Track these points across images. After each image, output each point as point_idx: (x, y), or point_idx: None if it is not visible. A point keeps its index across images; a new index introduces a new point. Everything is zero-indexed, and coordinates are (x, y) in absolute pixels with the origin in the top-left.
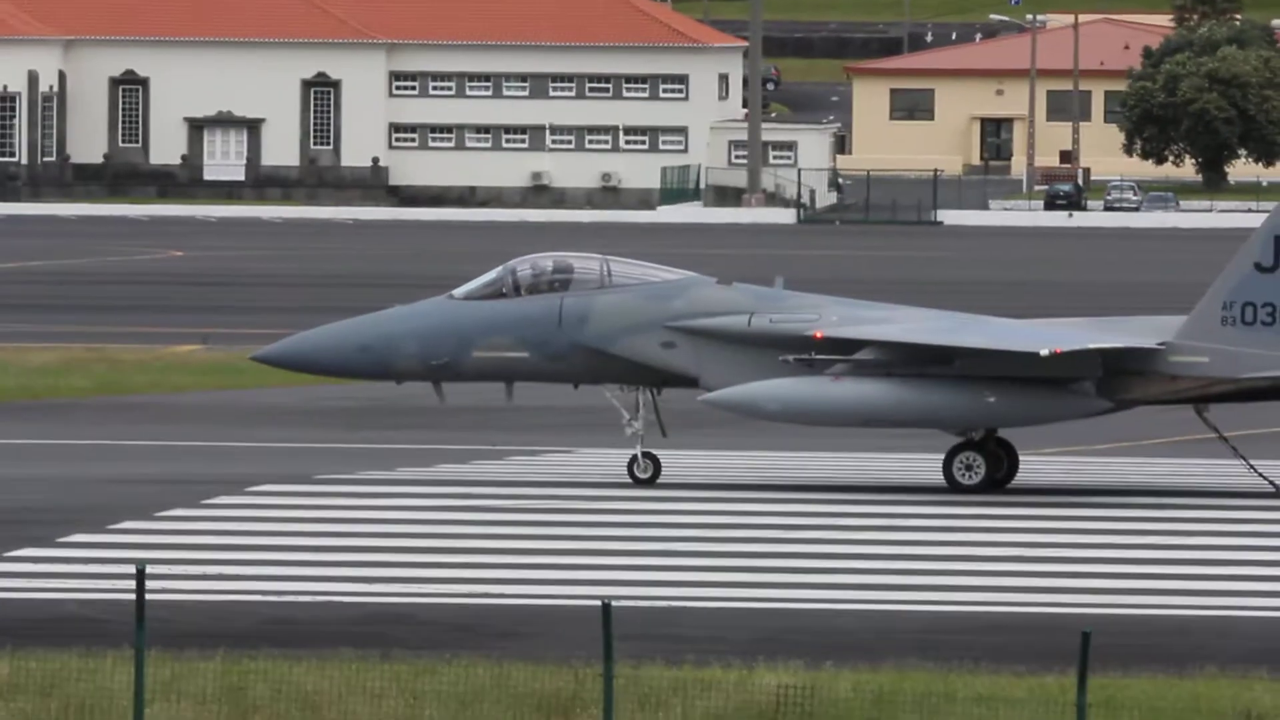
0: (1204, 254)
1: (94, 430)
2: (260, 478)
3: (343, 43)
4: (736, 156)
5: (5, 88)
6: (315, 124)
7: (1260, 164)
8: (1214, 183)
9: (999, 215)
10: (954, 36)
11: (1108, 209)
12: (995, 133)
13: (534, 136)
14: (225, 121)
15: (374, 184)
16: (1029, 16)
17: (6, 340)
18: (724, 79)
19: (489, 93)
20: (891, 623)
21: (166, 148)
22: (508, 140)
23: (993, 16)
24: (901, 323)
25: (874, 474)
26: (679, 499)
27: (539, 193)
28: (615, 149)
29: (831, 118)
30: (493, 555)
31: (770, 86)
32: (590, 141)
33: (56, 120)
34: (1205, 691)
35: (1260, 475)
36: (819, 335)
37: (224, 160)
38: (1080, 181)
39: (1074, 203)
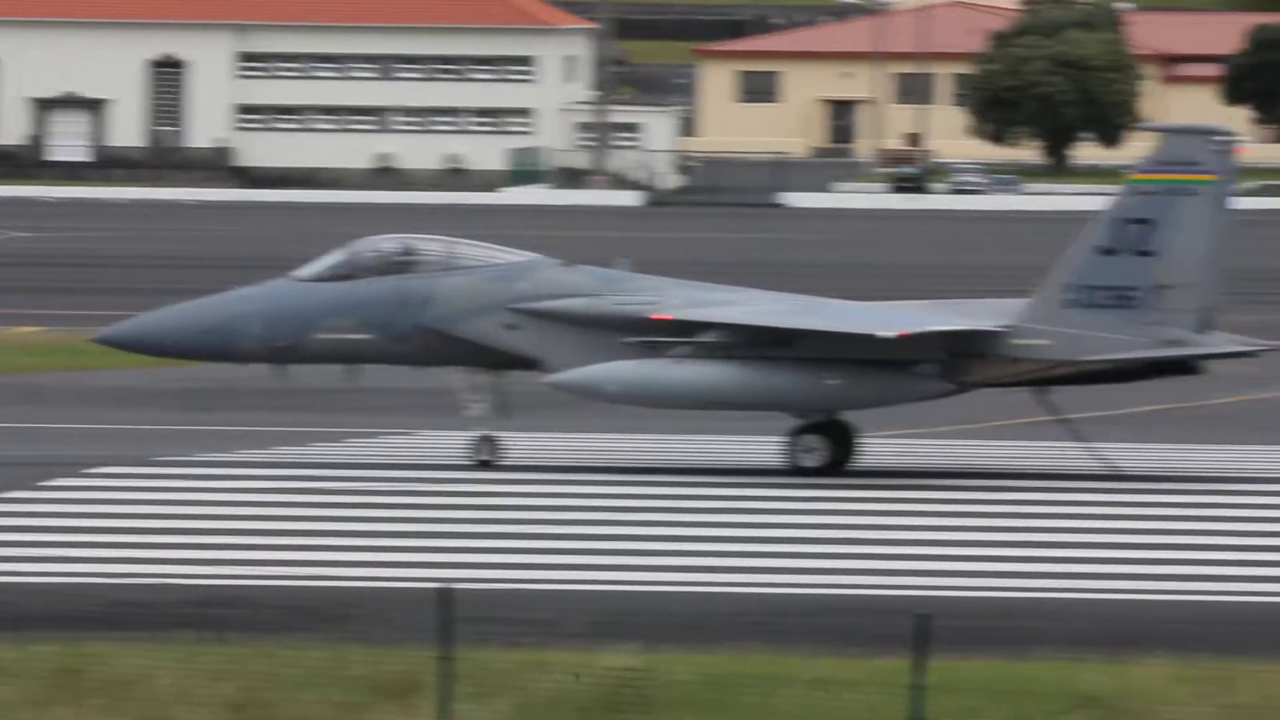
0: (1047, 237)
1: None
2: (98, 460)
3: (189, 24)
4: (583, 139)
5: None
6: (161, 105)
7: (1104, 147)
8: (1058, 165)
9: (843, 198)
10: (800, 19)
11: (952, 192)
12: (841, 115)
13: (380, 118)
14: (70, 102)
15: (219, 165)
16: None
17: None
18: (571, 61)
19: (335, 74)
20: (731, 605)
21: (10, 127)
22: (353, 122)
23: None
24: (744, 305)
25: (715, 456)
26: (520, 481)
27: (384, 174)
28: (461, 131)
29: (678, 100)
30: (331, 538)
31: (617, 68)
32: (436, 123)
33: None
34: (1040, 674)
35: (1100, 458)
36: (662, 318)
37: (69, 141)
38: (925, 164)
39: (918, 185)
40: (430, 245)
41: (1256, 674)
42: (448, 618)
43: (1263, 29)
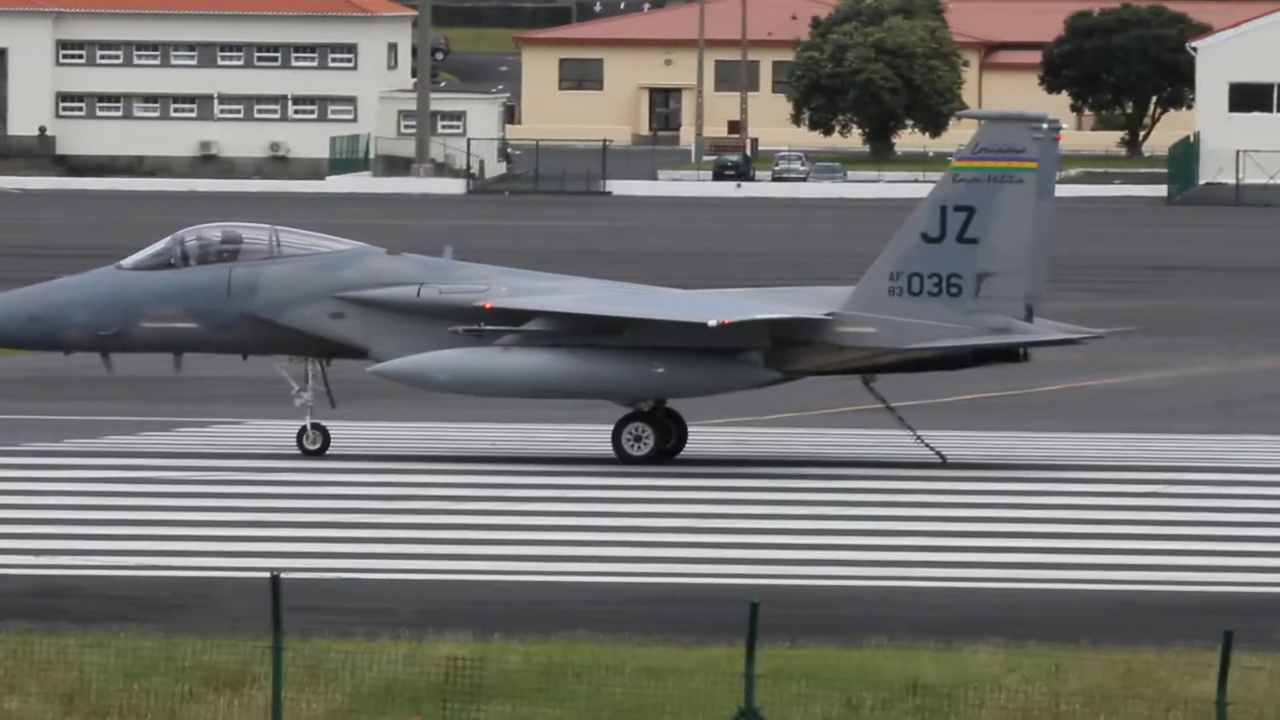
0: (871, 224)
1: None
2: None
3: (8, 10)
4: (406, 126)
5: None
6: None
7: (926, 134)
8: (881, 153)
9: (668, 185)
10: (622, 6)
11: (775, 179)
12: (664, 103)
13: (202, 106)
14: None
15: (41, 153)
16: None
17: None
18: (393, 48)
19: (157, 62)
20: (560, 594)
21: None
22: (176, 110)
23: None
24: (570, 293)
25: (543, 445)
26: (348, 470)
27: (208, 162)
28: (284, 119)
29: (501, 88)
30: (161, 527)
31: (439, 56)
32: (259, 111)
33: None
34: (872, 661)
35: (927, 446)
36: (488, 306)
37: None
38: (748, 152)
39: (742, 173)
40: (255, 234)
41: (1085, 660)
42: (278, 607)
43: (1080, 16)
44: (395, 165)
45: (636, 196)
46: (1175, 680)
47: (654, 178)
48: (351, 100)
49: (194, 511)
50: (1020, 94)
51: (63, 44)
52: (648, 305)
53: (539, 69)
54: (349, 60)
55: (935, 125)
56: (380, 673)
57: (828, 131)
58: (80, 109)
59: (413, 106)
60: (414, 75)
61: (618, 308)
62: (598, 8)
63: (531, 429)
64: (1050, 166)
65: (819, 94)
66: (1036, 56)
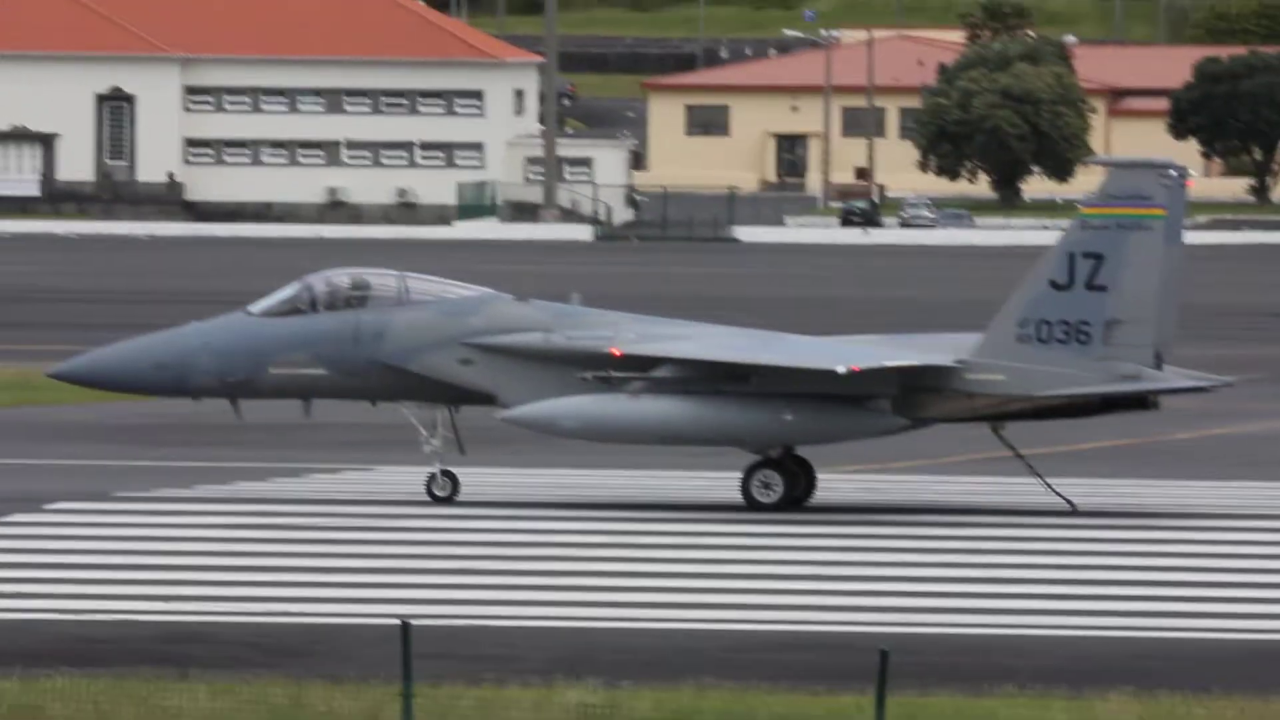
0: (999, 271)
1: None
2: (57, 495)
3: (137, 57)
4: (533, 172)
5: None
6: (110, 138)
7: (1054, 181)
8: (1009, 200)
9: (795, 232)
10: (749, 52)
11: (903, 226)
12: (790, 149)
13: (330, 152)
14: (19, 136)
15: (170, 199)
16: (823, 32)
17: None
18: (520, 94)
19: (285, 108)
20: (690, 641)
21: None
22: (303, 156)
23: (787, 32)
24: (699, 340)
25: (672, 492)
26: (478, 517)
27: (335, 209)
28: (411, 165)
29: (627, 133)
30: (291, 573)
31: (566, 102)
32: (386, 157)
33: None
34: (1003, 710)
35: (1056, 493)
36: (617, 352)
37: (18, 175)
38: (875, 198)
39: (869, 220)
40: (383, 280)
41: (1217, 710)
42: (409, 654)
43: (1209, 62)
44: (522, 211)
45: (763, 243)
46: None
47: (781, 224)
48: (478, 146)
49: (324, 558)
50: (1148, 140)
51: (190, 90)
52: (776, 352)
53: (666, 115)
54: (476, 106)
55: (1063, 172)
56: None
57: (955, 178)
58: (208, 155)
59: (539, 152)
60: (541, 121)
61: (746, 354)
62: (724, 54)
63: (660, 476)
64: (1178, 213)
65: (946, 140)
66: (1164, 103)
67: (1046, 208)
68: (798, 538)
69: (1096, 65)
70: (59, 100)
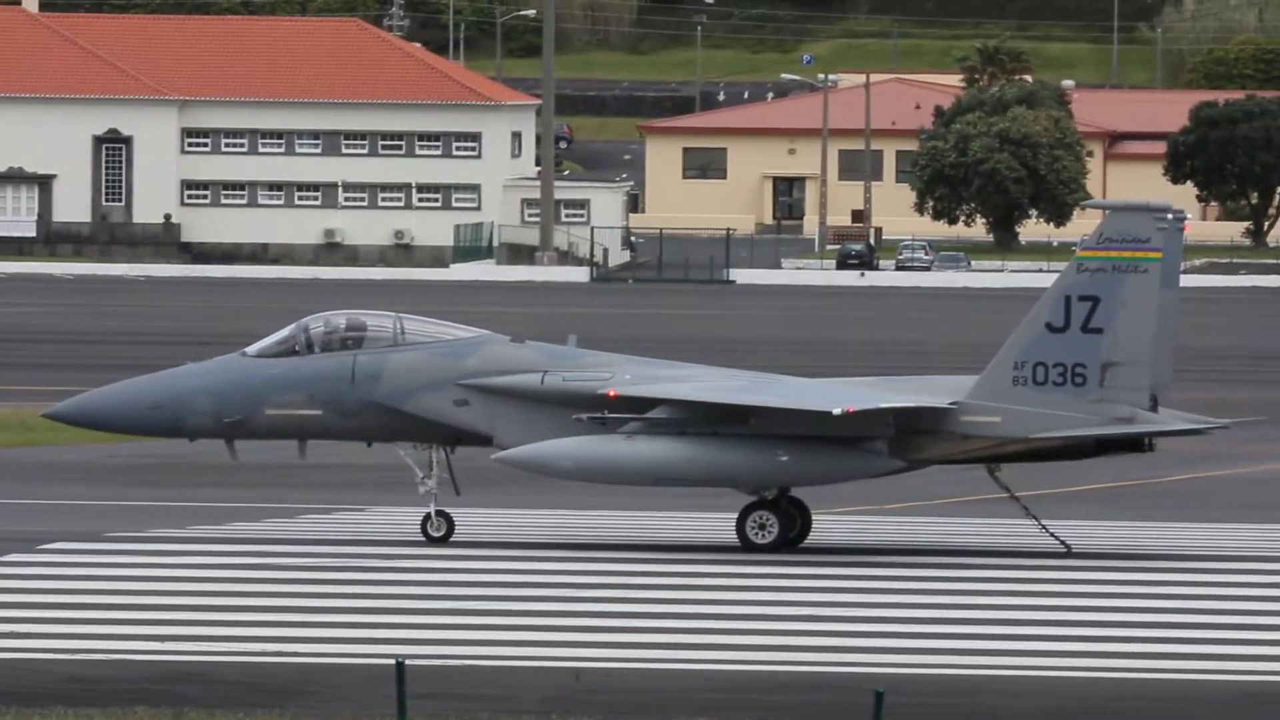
0: (996, 314)
1: None
2: (52, 535)
3: (134, 99)
4: (530, 215)
5: None
6: (107, 180)
7: (1051, 224)
8: (1005, 242)
9: (791, 274)
10: (746, 95)
11: (899, 268)
12: (788, 192)
13: (326, 194)
14: (16, 178)
15: (166, 241)
16: (820, 76)
17: None
18: (517, 137)
19: (281, 150)
20: (684, 681)
21: None
22: (300, 197)
23: (784, 76)
24: (695, 381)
25: (667, 533)
26: (472, 557)
27: (332, 250)
28: (408, 206)
29: (624, 176)
30: (285, 613)
31: (563, 145)
32: (383, 199)
33: None
34: None
35: (1052, 535)
36: (612, 394)
37: (15, 216)
38: (872, 241)
39: (866, 262)
40: (379, 321)
41: None
42: (403, 693)
43: (1205, 106)
44: (519, 253)
45: (760, 285)
46: None
47: (778, 266)
48: (475, 188)
49: (319, 598)
50: (1145, 184)
51: (188, 132)
52: (772, 394)
53: (662, 157)
54: (473, 148)
55: (1059, 215)
56: None
57: (952, 221)
58: (205, 197)
59: (536, 194)
60: (538, 163)
61: (742, 396)
62: (721, 97)
63: (655, 517)
64: (1175, 256)
65: (943, 183)
66: (1161, 147)
67: (1043, 251)
68: (792, 579)
69: (1094, 109)
70: (56, 142)
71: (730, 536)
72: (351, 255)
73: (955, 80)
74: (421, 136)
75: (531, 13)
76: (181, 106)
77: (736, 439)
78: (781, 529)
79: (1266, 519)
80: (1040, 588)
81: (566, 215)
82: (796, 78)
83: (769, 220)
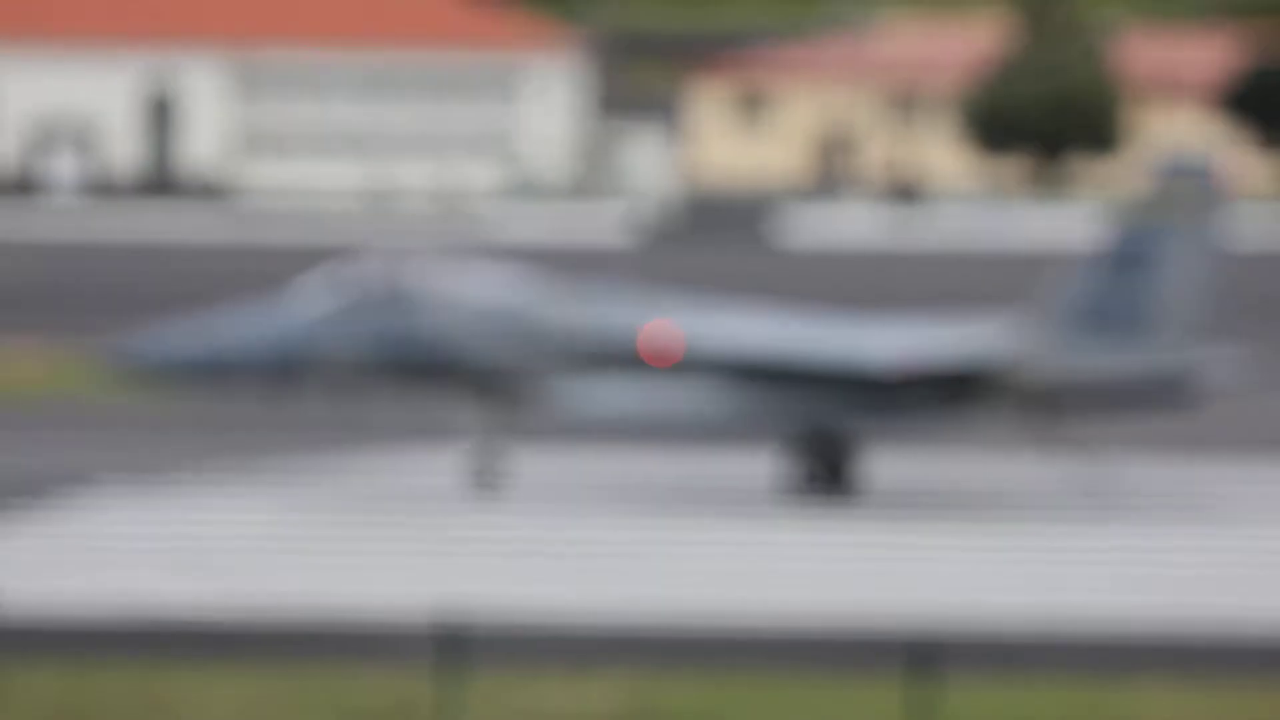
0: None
1: None
2: (104, 467)
3: (185, 51)
4: (575, 164)
5: None
6: (157, 134)
7: (1101, 171)
8: (1054, 190)
9: (839, 220)
10: (795, 41)
11: (948, 216)
12: (836, 139)
13: (372, 146)
14: (66, 129)
15: (213, 190)
16: (870, 21)
17: None
18: (563, 84)
19: (331, 99)
20: (729, 635)
21: (4, 154)
22: (345, 146)
23: (834, 21)
24: (742, 329)
25: (712, 482)
26: (522, 511)
27: (378, 200)
28: (452, 154)
29: (671, 123)
30: (332, 556)
31: (610, 93)
32: (428, 150)
33: None
34: (1042, 699)
35: (1102, 482)
36: (657, 343)
37: (64, 168)
38: (919, 187)
39: (914, 207)
40: (428, 273)
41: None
42: (449, 644)
43: (1266, 50)
44: (565, 200)
45: (807, 232)
46: None
47: (826, 212)
48: (519, 137)
49: (365, 543)
50: (1196, 132)
51: (240, 84)
52: (823, 342)
53: (710, 102)
54: (517, 96)
55: (1110, 164)
56: (553, 709)
57: (1001, 165)
58: (255, 146)
59: (582, 143)
60: (584, 112)
61: (789, 343)
62: (769, 43)
63: (703, 463)
64: (1224, 208)
65: (991, 131)
66: (1214, 93)
67: (1093, 199)
68: (838, 528)
69: (1144, 54)
70: (105, 95)
71: (776, 485)
72: (398, 204)
73: (1002, 29)
74: (466, 85)
75: None
76: (231, 54)
77: (783, 386)
78: (831, 476)
79: None
80: (1090, 533)
81: (613, 165)
82: (846, 22)
83: (818, 166)
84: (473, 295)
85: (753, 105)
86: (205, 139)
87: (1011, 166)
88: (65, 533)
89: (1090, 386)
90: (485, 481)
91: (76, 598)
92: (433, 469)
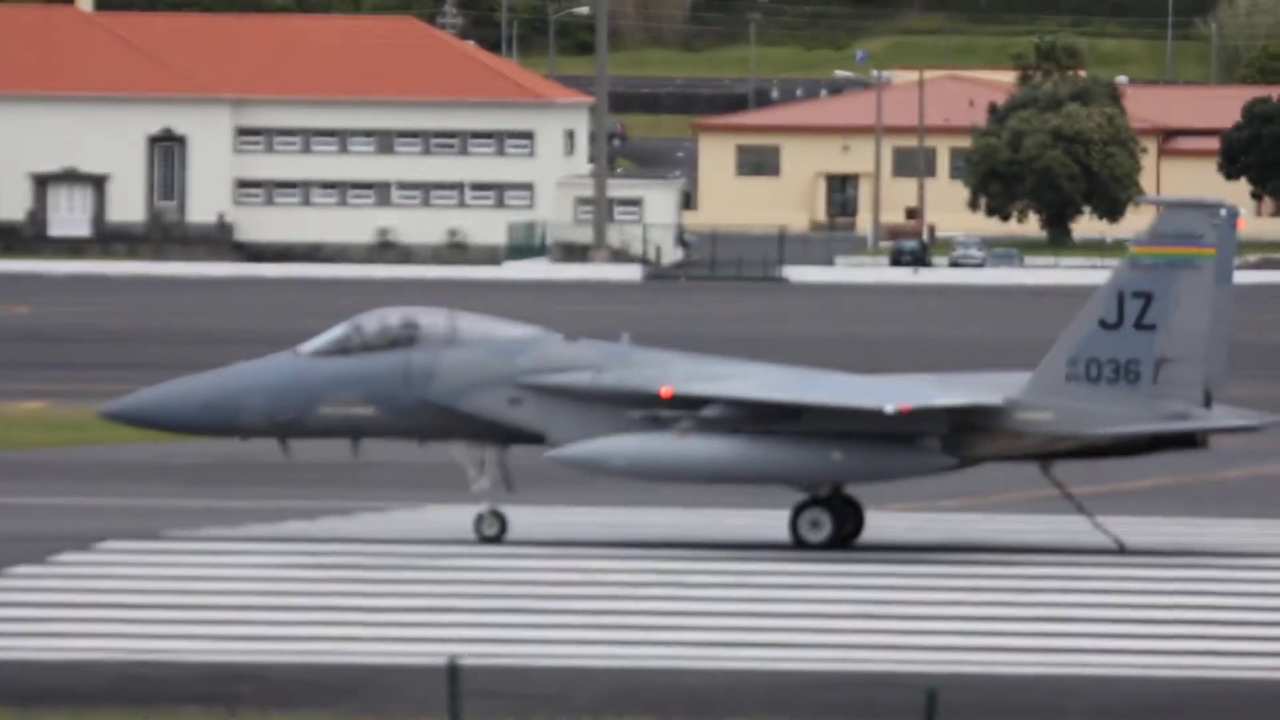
0: (1049, 311)
1: None
2: (107, 534)
3: (188, 98)
4: (583, 213)
5: None
6: (161, 179)
7: (1104, 221)
8: (1059, 239)
9: (844, 272)
10: (799, 93)
11: (953, 265)
12: (841, 189)
13: (380, 192)
14: (71, 177)
15: (220, 240)
16: (874, 73)
17: None
18: (570, 135)
19: (335, 149)
20: (738, 680)
21: (11, 203)
22: (354, 196)
23: (838, 73)
24: (747, 379)
25: (720, 531)
26: (526, 556)
27: (385, 249)
28: (462, 205)
29: (678, 173)
30: (340, 612)
31: (616, 143)
32: (437, 197)
33: None
34: None
35: (1105, 532)
36: (666, 392)
37: (69, 215)
38: (925, 238)
39: (919, 259)
40: (433, 319)
41: None
42: (456, 693)
43: (1259, 102)
44: (572, 251)
45: (813, 283)
46: None
47: (831, 264)
48: (529, 186)
49: (372, 597)
50: (1198, 180)
51: (241, 131)
52: (825, 391)
53: (716, 155)
54: (526, 146)
55: (1113, 211)
56: None
57: (1005, 218)
58: (259, 196)
59: (589, 193)
60: (591, 161)
61: (795, 393)
62: (775, 94)
63: (707, 515)
64: (1228, 253)
65: (996, 180)
66: (1215, 143)
67: (1096, 247)
68: (845, 576)
69: (1148, 105)
70: (110, 141)
71: (783, 534)
72: (405, 254)
73: (1009, 77)
74: (475, 135)
75: (585, 10)
76: (235, 105)
77: (790, 436)
78: (834, 526)
79: None
80: (1093, 585)
81: (620, 213)
82: (850, 75)
83: (822, 218)
84: (482, 345)
85: (761, 154)
86: (212, 188)
87: (1018, 216)
88: (74, 589)
89: (1097, 437)
90: (491, 529)
91: (90, 653)
92: (440, 518)
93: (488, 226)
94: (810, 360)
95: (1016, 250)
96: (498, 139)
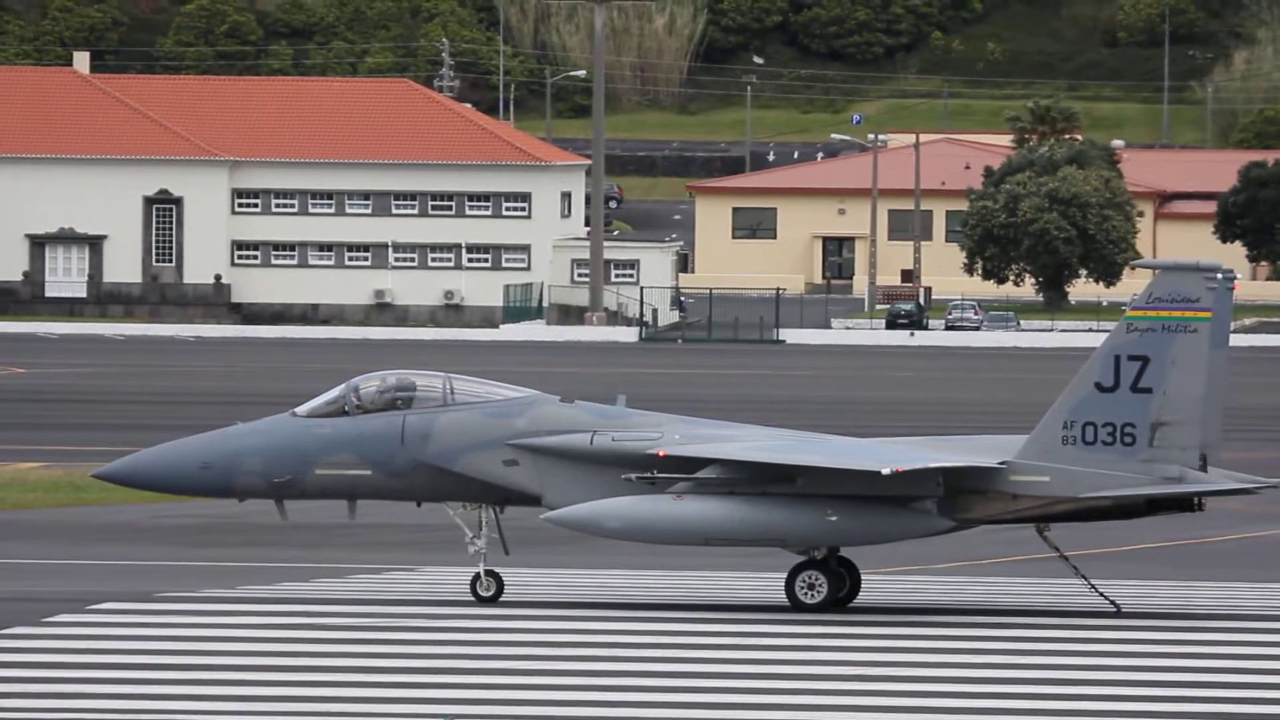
0: (1045, 373)
1: None
2: (102, 596)
3: (185, 160)
4: (579, 275)
5: None
6: (158, 241)
7: (1100, 284)
8: (1055, 302)
9: (841, 334)
10: (795, 156)
11: (949, 328)
12: (837, 251)
13: (376, 254)
14: (67, 238)
15: (217, 301)
16: (870, 136)
17: None
18: (566, 197)
19: (331, 210)
20: None
21: (8, 264)
22: (350, 258)
23: (834, 136)
24: (744, 441)
25: (716, 593)
26: (522, 617)
27: (382, 310)
28: (458, 267)
29: (674, 236)
30: (336, 674)
31: (613, 204)
32: (433, 259)
33: None
34: None
35: (1101, 595)
36: (662, 454)
37: (66, 277)
38: (921, 300)
39: (915, 322)
40: (429, 381)
41: None
42: None
43: (1255, 166)
44: (568, 313)
45: (810, 345)
46: None
47: (827, 326)
48: (525, 248)
49: (369, 658)
50: (1195, 243)
51: (238, 192)
52: (821, 453)
53: (712, 217)
54: (523, 209)
55: (1109, 275)
56: None
57: (1001, 281)
58: (255, 257)
59: (586, 254)
60: (587, 223)
61: (791, 456)
62: (771, 157)
63: (703, 577)
64: (1225, 316)
65: (992, 243)
66: (1211, 206)
67: (1092, 310)
68: (842, 639)
69: (1143, 169)
70: (107, 202)
71: (779, 596)
72: (401, 315)
73: (1005, 140)
74: (471, 197)
75: (581, 73)
76: (232, 167)
77: (785, 499)
78: (831, 589)
79: None
80: (1090, 648)
81: (616, 275)
82: (846, 138)
83: (819, 280)
84: (478, 407)
85: (758, 217)
86: (209, 250)
87: (1014, 279)
88: (69, 651)
89: (1093, 500)
90: (488, 590)
91: (86, 714)
92: (436, 579)
93: (484, 288)
94: (806, 422)
95: (1012, 313)
96: (494, 201)
